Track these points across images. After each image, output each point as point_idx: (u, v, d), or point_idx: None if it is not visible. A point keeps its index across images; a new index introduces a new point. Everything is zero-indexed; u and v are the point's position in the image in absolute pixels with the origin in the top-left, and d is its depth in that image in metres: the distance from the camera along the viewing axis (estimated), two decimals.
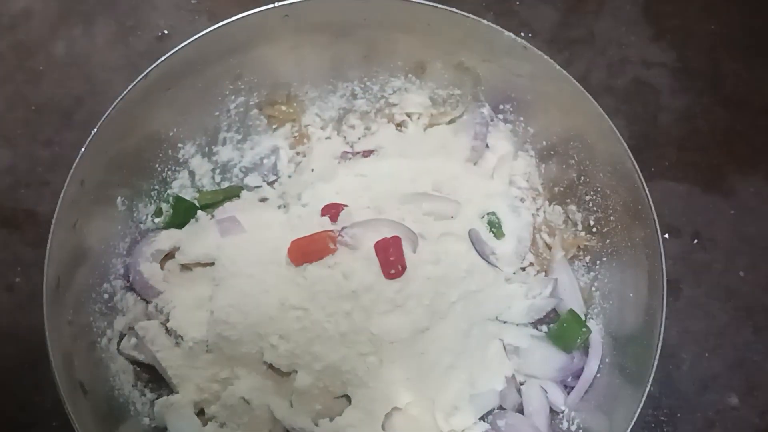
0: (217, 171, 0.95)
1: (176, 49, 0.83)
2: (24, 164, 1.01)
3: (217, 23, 0.85)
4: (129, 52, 1.08)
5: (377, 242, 0.76)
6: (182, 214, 0.89)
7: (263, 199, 0.92)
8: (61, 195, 0.76)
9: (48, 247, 0.75)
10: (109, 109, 0.80)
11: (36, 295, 0.90)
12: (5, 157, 1.01)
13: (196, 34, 0.85)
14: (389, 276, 0.75)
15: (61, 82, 1.06)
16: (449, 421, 0.79)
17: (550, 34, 1.10)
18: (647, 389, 0.75)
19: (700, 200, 1.03)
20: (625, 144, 0.81)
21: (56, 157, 1.02)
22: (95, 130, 0.79)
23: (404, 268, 0.75)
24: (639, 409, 0.74)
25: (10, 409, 0.90)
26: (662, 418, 0.92)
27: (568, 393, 0.84)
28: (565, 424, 0.83)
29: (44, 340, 0.87)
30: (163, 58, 0.83)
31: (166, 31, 1.09)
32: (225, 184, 0.94)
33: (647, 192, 0.80)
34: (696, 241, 1.00)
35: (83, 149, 0.78)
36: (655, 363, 0.75)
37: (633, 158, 0.81)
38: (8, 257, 0.97)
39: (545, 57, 0.84)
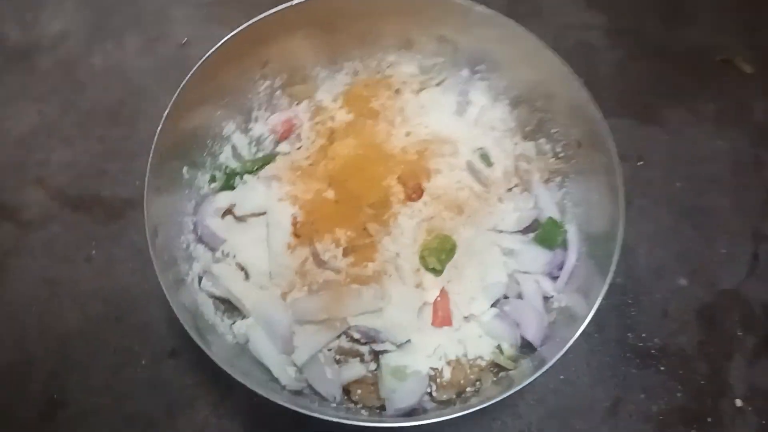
0: (253, 143, 1.08)
1: (217, 46, 0.96)
2: (83, 159, 1.16)
3: (227, 27, 0.97)
4: (157, 59, 1.24)
5: (399, 176, 0.97)
6: (231, 179, 1.03)
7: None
8: (148, 165, 0.90)
9: (144, 206, 0.89)
10: (173, 99, 0.93)
11: (112, 263, 1.09)
12: (67, 155, 1.16)
13: (211, 38, 0.97)
14: (411, 199, 0.96)
15: (103, 89, 1.21)
16: (468, 307, 0.95)
17: (505, 10, 1.27)
18: (611, 273, 0.87)
19: (640, 131, 1.22)
20: (580, 82, 0.95)
21: (109, 150, 1.17)
22: (165, 114, 0.92)
23: (422, 192, 0.96)
24: (605, 288, 0.86)
25: (104, 355, 1.05)
26: (629, 300, 1.10)
27: (555, 281, 0.98)
28: (555, 304, 0.97)
29: (125, 298, 1.05)
30: (206, 55, 0.95)
31: (186, 39, 1.25)
32: (260, 154, 1.08)
33: (603, 120, 0.93)
34: (640, 162, 1.19)
35: (158, 130, 0.91)
36: (617, 254, 0.88)
37: (588, 94, 0.94)
38: (83, 235, 1.12)
39: (509, 20, 0.98)
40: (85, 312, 1.07)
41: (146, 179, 0.91)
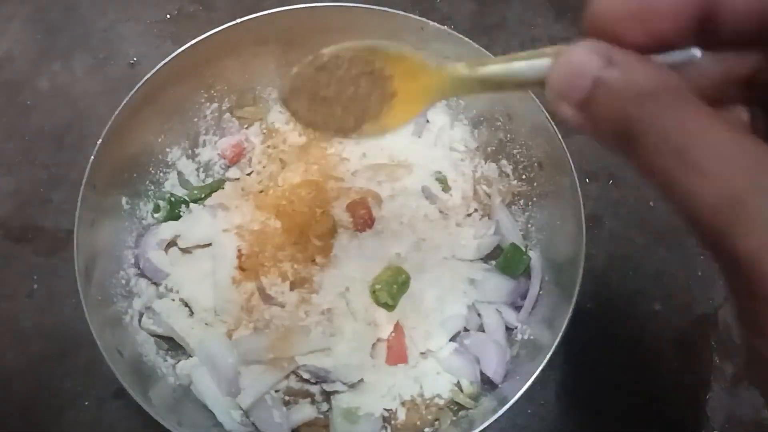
0: (201, 169, 1.04)
1: (158, 67, 0.91)
2: (26, 186, 1.10)
3: (181, 45, 0.93)
4: (106, 80, 1.18)
5: (348, 204, 0.92)
6: (176, 208, 0.99)
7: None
8: (79, 198, 0.85)
9: (75, 242, 0.84)
10: (108, 124, 0.89)
11: (54, 298, 1.03)
12: (9, 183, 1.10)
13: (163, 57, 0.93)
14: (360, 229, 0.91)
15: (49, 112, 1.15)
16: (425, 343, 0.90)
17: (470, 23, 1.24)
18: (573, 301, 0.83)
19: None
20: (539, 102, 0.91)
21: (54, 177, 1.11)
22: (99, 142, 0.88)
23: (373, 221, 0.91)
24: (568, 316, 0.83)
25: (44, 396, 0.99)
26: (601, 327, 1.04)
27: (519, 311, 0.94)
28: (519, 336, 0.93)
29: (68, 335, 1.00)
30: (147, 76, 0.91)
31: (135, 58, 1.19)
32: (209, 180, 1.04)
33: (563, 144, 0.89)
34: (611, 181, 1.13)
35: (92, 159, 0.87)
36: (579, 281, 0.84)
37: (549, 117, 0.90)
38: (24, 268, 1.05)
39: (466, 39, 0.94)
40: (26, 350, 1.02)
41: (77, 212, 0.86)
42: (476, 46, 0.95)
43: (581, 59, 0.39)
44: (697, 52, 0.41)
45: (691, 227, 0.36)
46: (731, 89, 0.44)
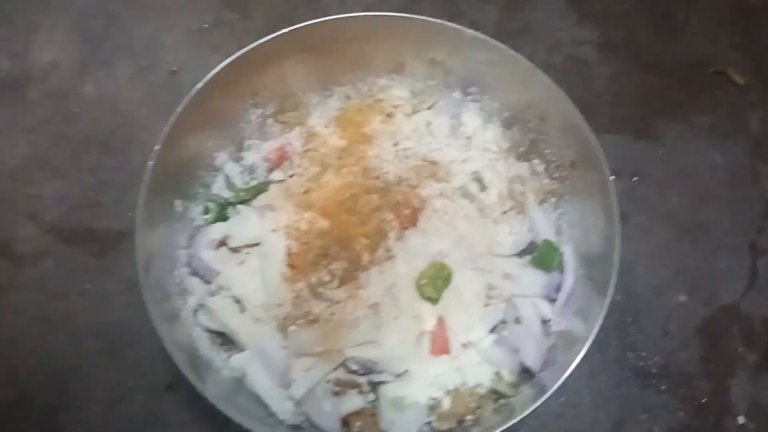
0: (246, 172, 1.07)
1: (208, 77, 0.95)
2: (76, 191, 1.14)
3: (219, 53, 0.98)
4: (149, 87, 1.22)
5: (393, 204, 0.96)
6: (224, 210, 1.03)
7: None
8: (139, 200, 0.89)
9: (136, 242, 0.89)
10: (165, 131, 0.92)
11: (107, 297, 1.08)
12: (59, 188, 1.15)
13: (203, 65, 0.98)
14: (404, 227, 0.95)
15: (95, 118, 1.19)
16: (466, 335, 0.94)
17: (496, 28, 1.28)
18: (610, 295, 0.87)
19: (634, 146, 1.21)
20: (573, 104, 0.95)
21: (102, 181, 1.15)
22: (157, 147, 0.91)
23: (417, 220, 0.95)
24: (605, 311, 0.86)
25: (99, 392, 1.04)
26: (629, 319, 1.09)
27: (553, 304, 0.97)
28: (554, 328, 0.95)
29: (120, 332, 1.04)
30: (198, 86, 0.95)
31: (176, 68, 1.24)
32: (253, 183, 1.07)
33: (596, 141, 0.93)
34: (635, 178, 1.18)
35: (151, 164, 0.90)
36: (614, 275, 0.88)
37: (581, 114, 0.95)
38: (76, 269, 1.10)
39: (499, 44, 0.98)
40: (80, 348, 1.06)
41: (137, 214, 0.90)
42: (511, 52, 0.99)
43: None
44: None
45: None
46: None
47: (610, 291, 0.88)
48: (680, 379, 1.08)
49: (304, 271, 0.95)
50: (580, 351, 0.86)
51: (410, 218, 0.96)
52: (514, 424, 0.85)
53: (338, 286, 0.94)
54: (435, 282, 0.94)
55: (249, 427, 0.83)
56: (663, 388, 1.07)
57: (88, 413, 1.04)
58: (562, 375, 0.86)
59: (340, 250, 0.95)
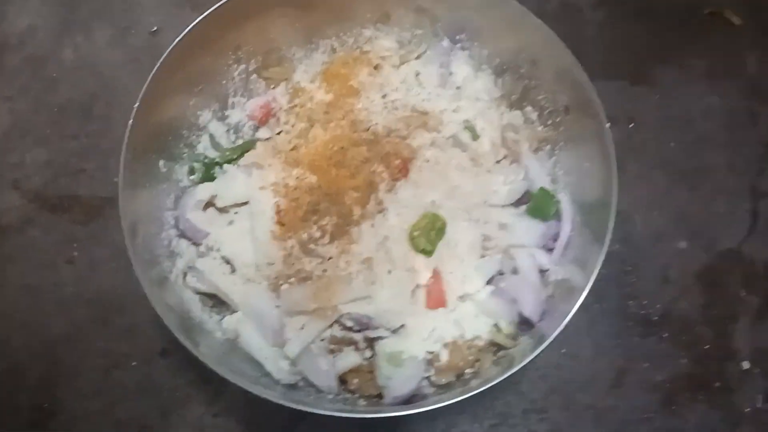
0: (231, 131, 1.05)
1: (182, 35, 0.93)
2: (59, 157, 1.13)
3: (199, 11, 0.93)
4: (129, 49, 1.20)
5: (382, 155, 0.94)
6: (211, 170, 1.00)
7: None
8: (121, 161, 0.87)
9: (120, 204, 0.87)
10: (142, 90, 0.90)
11: (95, 264, 1.06)
12: (41, 154, 1.13)
13: (183, 24, 0.94)
14: (395, 179, 0.93)
15: (75, 83, 1.17)
16: (463, 287, 0.92)
17: None
18: (607, 242, 0.85)
19: (630, 92, 1.18)
20: (565, 46, 0.92)
21: (85, 147, 1.13)
22: (135, 106, 0.89)
23: (407, 171, 0.93)
24: (602, 257, 0.85)
25: (91, 359, 1.03)
26: (628, 268, 1.08)
27: (551, 254, 0.96)
28: (552, 277, 0.94)
29: (110, 299, 1.03)
30: (173, 44, 0.92)
31: (156, 27, 1.21)
32: (239, 142, 1.04)
33: (590, 84, 0.91)
34: (632, 125, 1.16)
35: (130, 122, 0.88)
36: (612, 221, 0.86)
37: (576, 59, 0.92)
38: (63, 237, 1.09)
39: None
40: (71, 316, 1.05)
41: (120, 176, 0.88)
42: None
43: None
44: None
45: None
46: None
47: (608, 238, 0.86)
48: (682, 326, 1.06)
49: (294, 228, 0.93)
50: (578, 299, 0.85)
51: (401, 169, 0.94)
52: (515, 377, 0.84)
53: (329, 242, 0.92)
54: (428, 234, 0.91)
55: (245, 387, 0.81)
56: (665, 336, 1.05)
57: (82, 381, 1.03)
58: (561, 323, 0.84)
59: (330, 204, 0.92)
